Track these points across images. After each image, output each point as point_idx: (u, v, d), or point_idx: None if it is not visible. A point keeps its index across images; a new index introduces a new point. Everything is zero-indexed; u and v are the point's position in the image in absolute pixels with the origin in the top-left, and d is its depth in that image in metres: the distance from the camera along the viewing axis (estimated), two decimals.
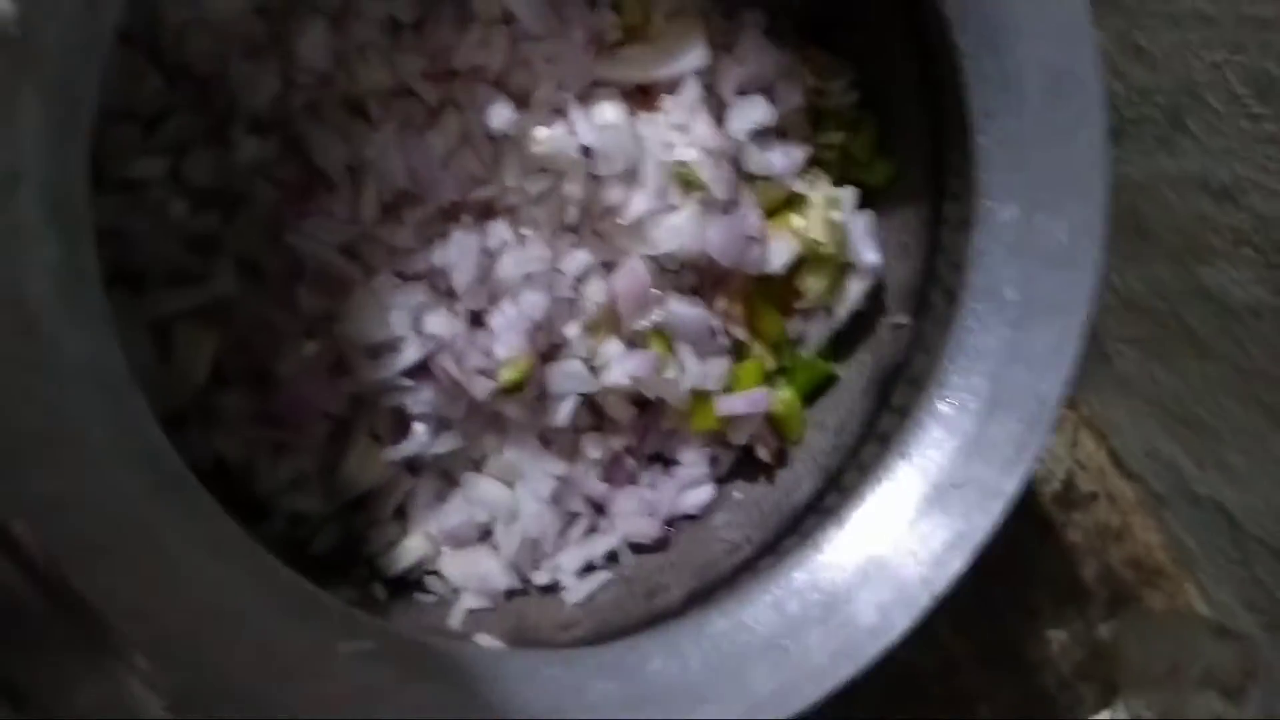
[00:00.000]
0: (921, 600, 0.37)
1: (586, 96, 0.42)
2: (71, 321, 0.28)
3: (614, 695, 0.35)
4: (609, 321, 0.44)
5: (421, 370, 0.42)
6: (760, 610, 0.37)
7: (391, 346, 0.41)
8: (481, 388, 0.41)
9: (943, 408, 0.39)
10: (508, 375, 0.41)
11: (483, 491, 0.45)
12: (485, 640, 0.42)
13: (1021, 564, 0.98)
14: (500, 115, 0.40)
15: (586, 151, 0.42)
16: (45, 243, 0.28)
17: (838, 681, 0.36)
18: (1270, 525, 0.86)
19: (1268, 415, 0.76)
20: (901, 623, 0.37)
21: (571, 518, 0.47)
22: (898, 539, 0.38)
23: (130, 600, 0.29)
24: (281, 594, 0.32)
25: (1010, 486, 0.38)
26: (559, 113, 0.42)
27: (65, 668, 0.37)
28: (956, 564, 0.38)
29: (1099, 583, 1.00)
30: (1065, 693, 0.98)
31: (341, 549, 0.45)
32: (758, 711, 0.35)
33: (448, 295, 0.42)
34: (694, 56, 0.43)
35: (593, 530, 0.48)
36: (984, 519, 0.38)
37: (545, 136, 0.41)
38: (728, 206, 0.44)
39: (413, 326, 0.41)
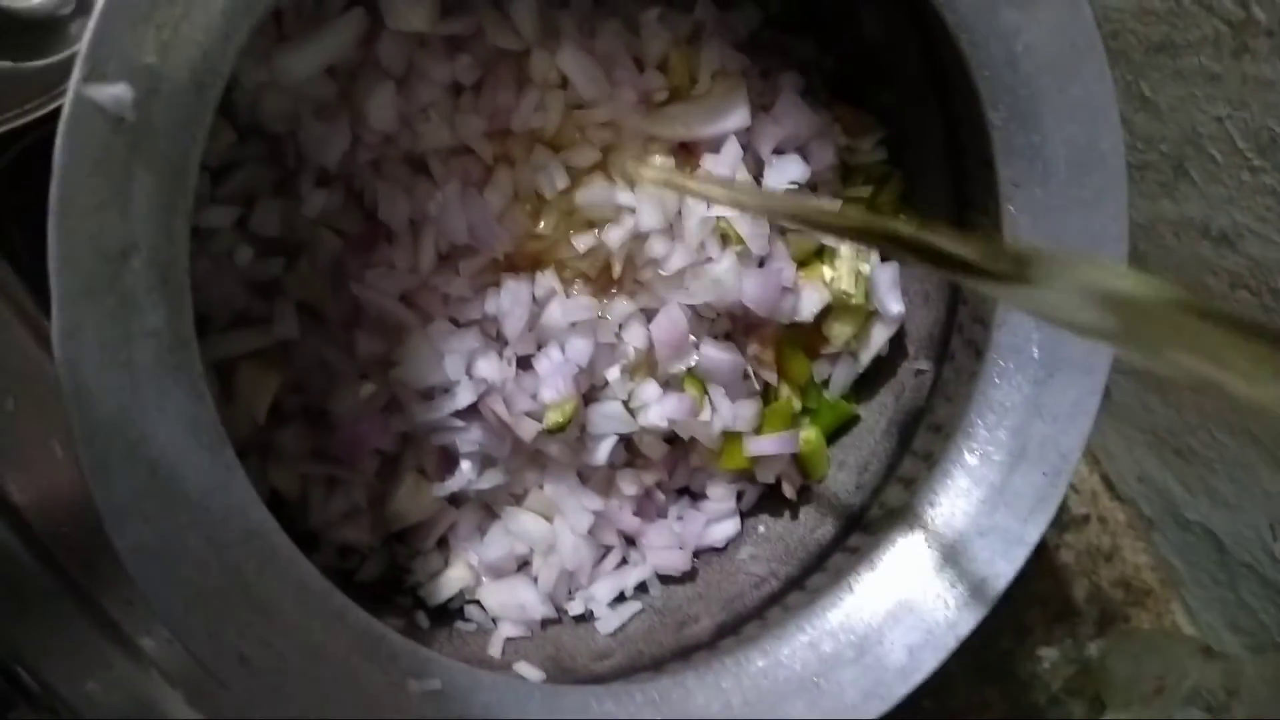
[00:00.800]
0: (948, 643, 0.39)
1: (635, 154, 0.44)
2: (174, 384, 0.30)
3: None
4: (647, 365, 0.46)
5: (469, 410, 0.44)
6: (797, 649, 0.40)
7: (444, 389, 0.43)
8: (528, 429, 0.43)
9: (969, 459, 0.41)
10: (553, 418, 0.43)
11: (523, 524, 0.47)
12: (525, 668, 0.44)
13: (1015, 584, 1.00)
14: (553, 175, 0.42)
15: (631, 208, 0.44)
16: (152, 311, 0.29)
17: (870, 718, 0.38)
18: (1256, 551, 0.89)
19: (1257, 447, 0.79)
20: (929, 664, 0.39)
21: (605, 550, 0.49)
22: (926, 583, 0.40)
23: (230, 642, 0.30)
24: (355, 635, 0.34)
25: (1033, 536, 0.40)
26: (605, 171, 0.44)
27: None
28: (981, 608, 0.40)
29: (1089, 602, 1.03)
30: (1055, 708, 1.01)
31: (386, 578, 0.47)
32: None
33: (498, 340, 0.44)
34: (737, 117, 0.45)
35: (624, 562, 0.50)
36: (1007, 566, 0.40)
37: (593, 194, 0.43)
38: (763, 259, 0.46)
39: (465, 370, 0.43)
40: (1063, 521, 1.02)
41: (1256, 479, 0.83)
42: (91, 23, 0.27)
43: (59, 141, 0.27)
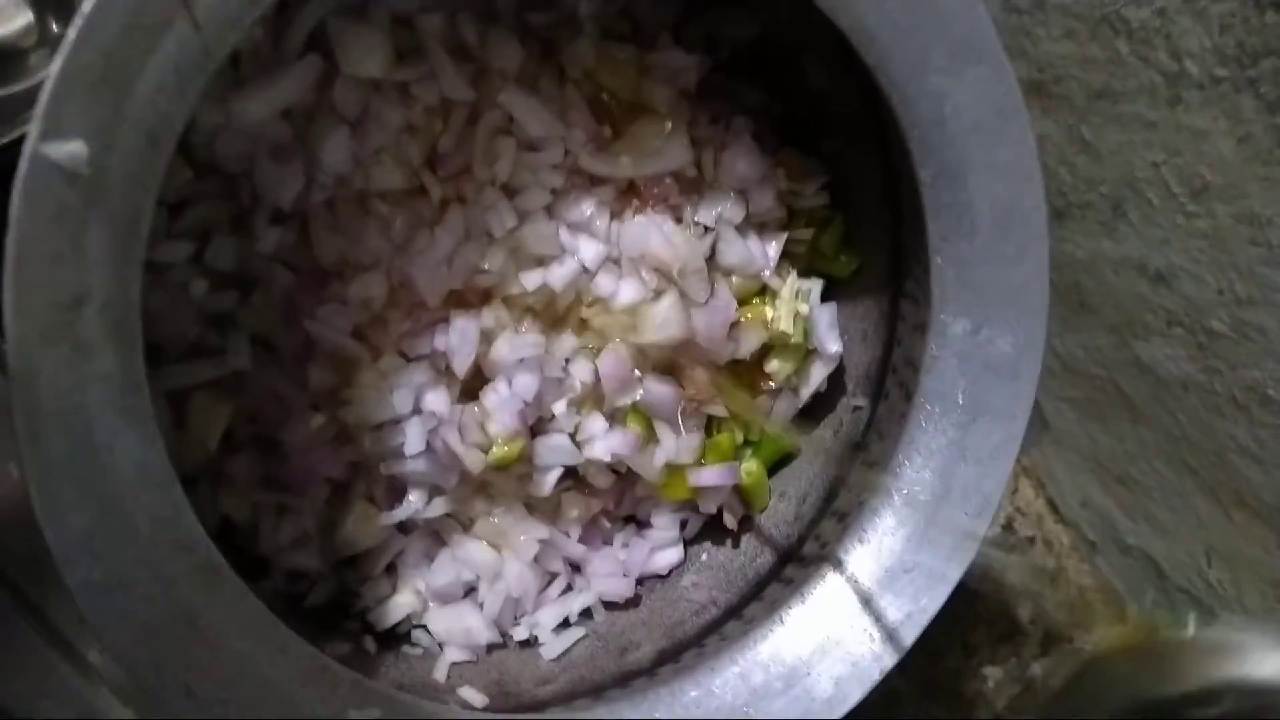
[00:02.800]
0: (873, 675, 0.41)
1: (581, 191, 0.46)
2: (125, 425, 0.31)
3: None
4: (594, 399, 0.48)
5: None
6: (729, 679, 0.41)
7: (394, 421, 0.44)
8: (474, 461, 0.45)
9: (897, 499, 0.43)
10: (499, 454, 0.45)
11: (470, 552, 0.48)
12: (469, 693, 0.45)
13: (962, 604, 1.02)
14: (503, 215, 0.43)
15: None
16: (104, 356, 0.31)
17: None
18: (1192, 576, 0.91)
19: (1194, 478, 0.82)
20: (854, 695, 0.41)
21: (551, 577, 0.51)
22: (853, 618, 0.42)
23: (176, 675, 0.32)
24: (299, 665, 0.35)
25: (955, 573, 0.42)
26: (551, 211, 0.45)
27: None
28: (906, 640, 0.42)
29: (1034, 623, 1.05)
30: None
31: (335, 603, 0.48)
32: None
33: (447, 374, 0.45)
34: (678, 157, 0.47)
35: (569, 588, 0.51)
36: (931, 602, 0.42)
37: (540, 233, 0.44)
38: (704, 297, 0.48)
39: (414, 404, 0.44)
40: (1009, 543, 1.04)
41: (1192, 508, 0.85)
42: (48, 83, 0.28)
43: (15, 196, 0.28)
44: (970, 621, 1.03)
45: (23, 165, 0.28)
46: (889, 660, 0.42)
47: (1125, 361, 0.79)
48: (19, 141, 0.42)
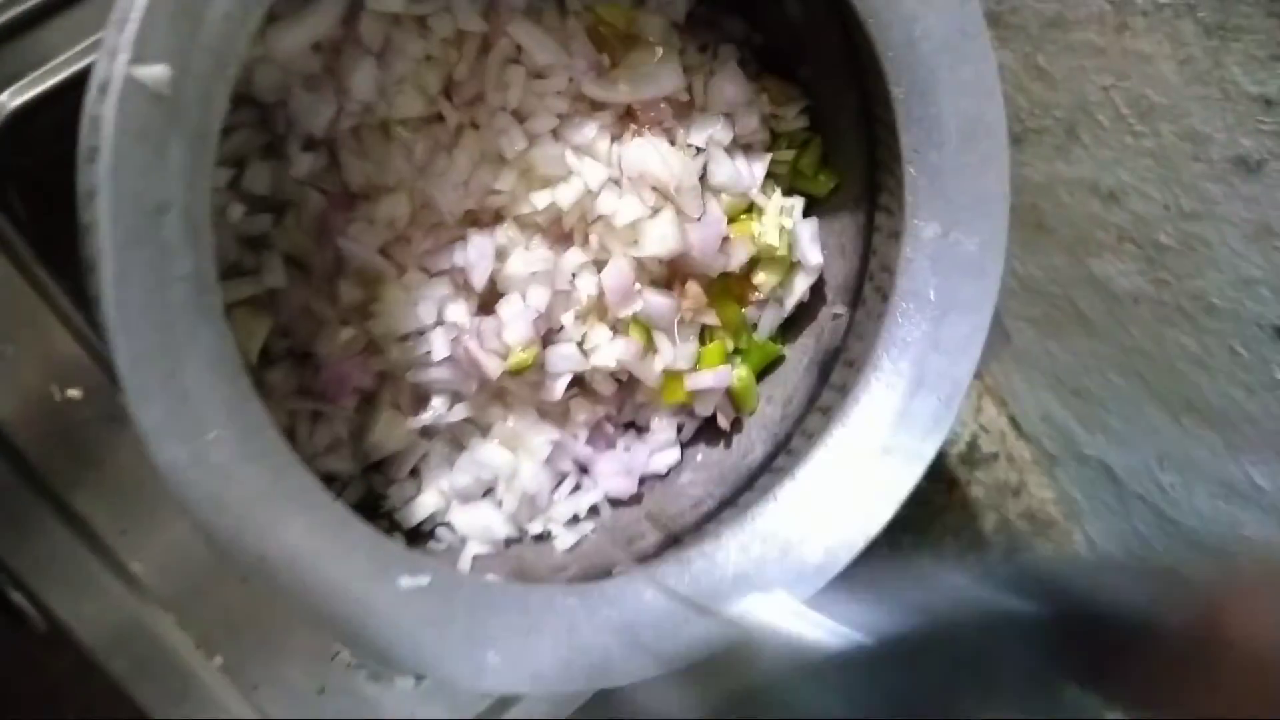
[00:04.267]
0: (858, 542, 0.46)
1: (584, 116, 0.50)
2: (201, 321, 0.35)
3: (615, 618, 0.43)
4: (598, 311, 0.52)
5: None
6: (730, 552, 0.46)
7: (418, 332, 0.48)
8: (494, 366, 0.49)
9: (876, 387, 0.48)
10: (516, 359, 0.49)
11: (488, 455, 0.53)
12: (493, 580, 0.50)
13: (931, 517, 1.09)
14: (514, 139, 0.47)
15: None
16: (183, 258, 0.34)
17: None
18: (1147, 483, 0.98)
19: (1146, 388, 0.88)
20: (843, 560, 0.46)
21: (561, 476, 0.55)
22: (840, 493, 0.47)
23: (250, 544, 0.36)
24: (356, 538, 0.39)
25: (929, 451, 0.47)
26: (558, 135, 0.49)
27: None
28: (886, 513, 0.47)
29: (998, 533, 1.12)
30: None
31: (365, 504, 0.53)
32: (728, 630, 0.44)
33: (466, 288, 0.49)
34: (671, 82, 0.51)
35: (578, 488, 0.56)
36: (908, 477, 0.47)
37: (548, 156, 0.48)
38: (698, 213, 0.52)
39: (437, 316, 0.48)
40: (974, 459, 1.11)
41: (1145, 417, 0.91)
42: (136, 14, 0.32)
43: (108, 113, 0.32)
44: (938, 532, 1.09)
45: (115, 87, 0.32)
46: (873, 530, 0.47)
47: (1080, 279, 0.85)
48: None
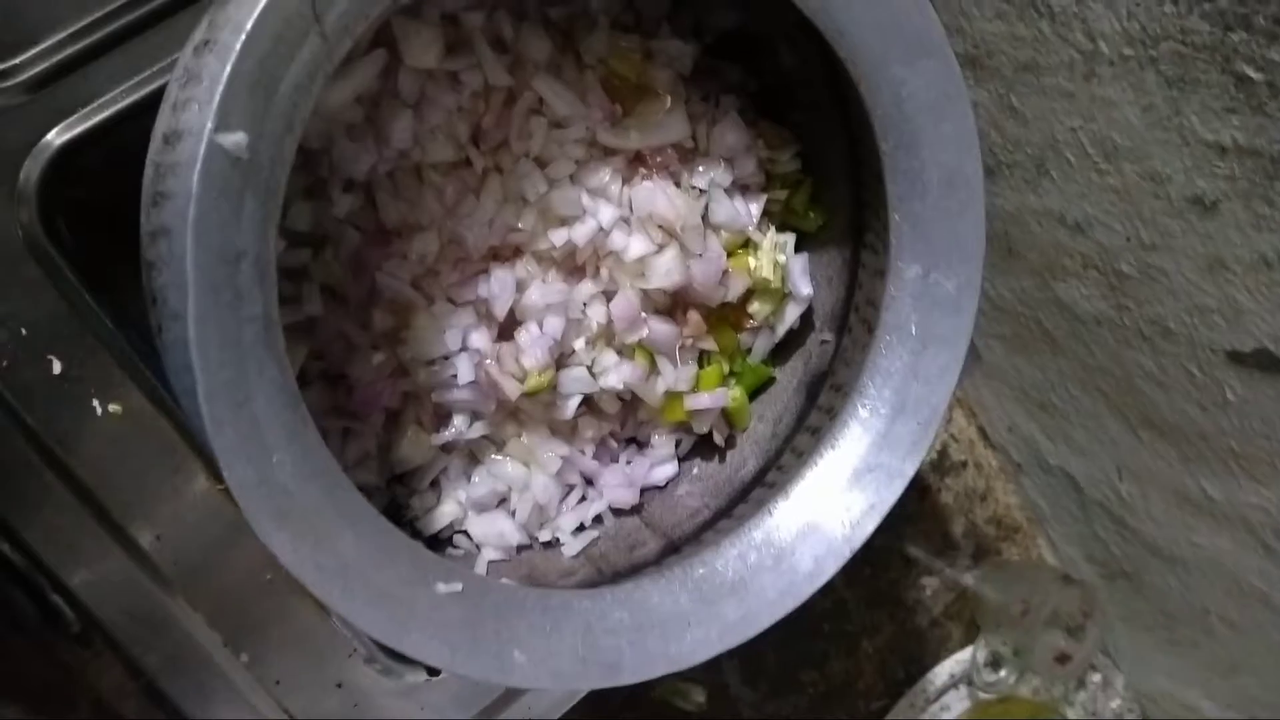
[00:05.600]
0: (844, 552, 0.51)
1: (599, 161, 0.54)
2: (267, 357, 0.39)
3: (626, 621, 0.48)
4: (606, 337, 0.56)
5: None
6: (728, 561, 0.51)
7: (444, 357, 0.53)
8: (512, 389, 0.53)
9: (861, 412, 0.53)
10: (534, 383, 0.53)
11: (503, 468, 0.57)
12: (507, 583, 0.54)
13: (903, 523, 1.14)
14: (535, 183, 0.52)
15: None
16: (254, 301, 0.39)
17: (784, 611, 0.50)
18: (1107, 491, 1.03)
19: (1107, 403, 0.93)
20: (831, 568, 0.51)
21: (569, 488, 0.60)
22: (828, 507, 0.52)
23: (308, 554, 0.40)
24: (398, 549, 0.44)
25: (909, 470, 0.52)
26: (574, 179, 0.54)
27: None
28: (870, 526, 0.52)
29: (966, 537, 1.17)
30: (935, 630, 1.15)
31: (389, 513, 0.57)
32: (728, 633, 0.49)
33: (488, 317, 0.53)
34: (677, 131, 0.55)
35: (584, 498, 0.60)
36: (889, 493, 0.52)
37: (566, 198, 0.53)
38: (700, 249, 0.57)
39: (462, 342, 0.53)
40: (944, 467, 1.16)
41: (1105, 428, 0.97)
42: (219, 86, 0.36)
43: (195, 177, 0.36)
44: (910, 538, 1.14)
45: (200, 152, 0.36)
46: (858, 540, 0.51)
47: (1047, 301, 0.90)
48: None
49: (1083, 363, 0.92)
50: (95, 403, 0.53)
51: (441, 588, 0.44)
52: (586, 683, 0.46)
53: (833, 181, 0.60)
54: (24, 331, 0.51)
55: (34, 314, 0.51)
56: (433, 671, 0.59)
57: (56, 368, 0.52)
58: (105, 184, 0.51)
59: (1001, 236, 0.89)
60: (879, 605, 1.13)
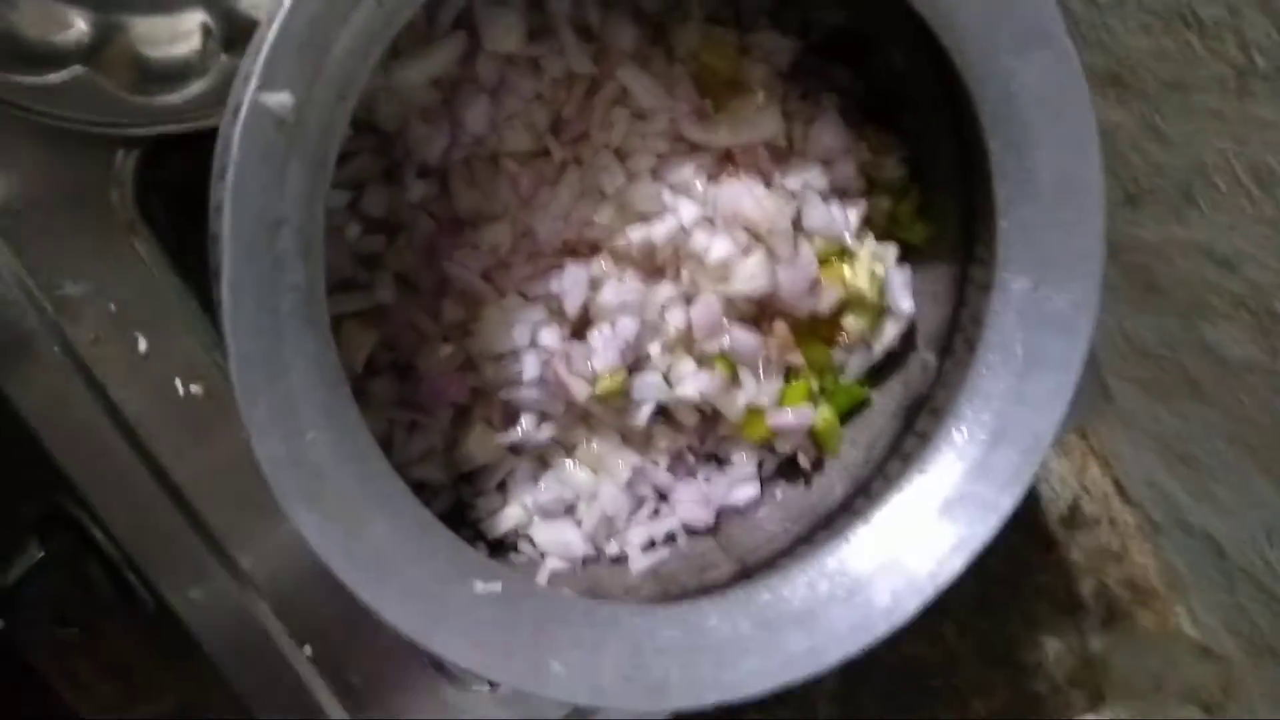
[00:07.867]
0: (927, 590, 0.46)
1: (683, 156, 0.52)
2: (306, 328, 0.38)
3: (678, 641, 0.45)
4: (685, 343, 0.53)
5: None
6: (797, 588, 0.47)
7: (513, 353, 0.51)
8: (580, 391, 0.51)
9: (956, 436, 0.48)
10: (604, 385, 0.51)
11: (571, 474, 0.55)
12: (553, 591, 0.52)
13: (1026, 576, 1.06)
14: (614, 175, 0.50)
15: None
16: (295, 270, 0.37)
17: (855, 648, 0.46)
18: (1253, 557, 0.94)
19: (1255, 459, 0.85)
20: (910, 606, 0.46)
21: (640, 501, 0.57)
22: (912, 539, 0.47)
23: (339, 539, 0.38)
24: (437, 542, 0.42)
25: (1006, 504, 0.47)
26: (656, 173, 0.51)
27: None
28: (958, 563, 0.47)
29: (1095, 599, 1.09)
30: (1056, 696, 1.07)
31: (452, 513, 0.55)
32: (790, 666, 0.45)
33: (559, 315, 0.51)
34: (770, 129, 0.52)
35: (656, 513, 0.57)
36: (983, 528, 0.47)
37: (645, 193, 0.51)
38: (789, 255, 0.53)
39: (531, 339, 0.51)
40: (1075, 521, 1.08)
41: (1254, 489, 0.88)
42: (266, 45, 0.35)
43: (236, 135, 0.35)
44: (1033, 593, 1.06)
45: (243, 111, 0.35)
46: (943, 579, 0.47)
47: (1191, 343, 0.83)
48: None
49: (1230, 413, 0.84)
50: (178, 382, 0.54)
51: (480, 587, 0.42)
52: (629, 702, 0.43)
53: (944, 191, 0.55)
54: (113, 308, 0.52)
55: (124, 292, 0.52)
56: (490, 679, 0.57)
57: (142, 345, 0.53)
58: (198, 167, 0.52)
59: (1141, 270, 0.82)
60: (995, 664, 1.05)
